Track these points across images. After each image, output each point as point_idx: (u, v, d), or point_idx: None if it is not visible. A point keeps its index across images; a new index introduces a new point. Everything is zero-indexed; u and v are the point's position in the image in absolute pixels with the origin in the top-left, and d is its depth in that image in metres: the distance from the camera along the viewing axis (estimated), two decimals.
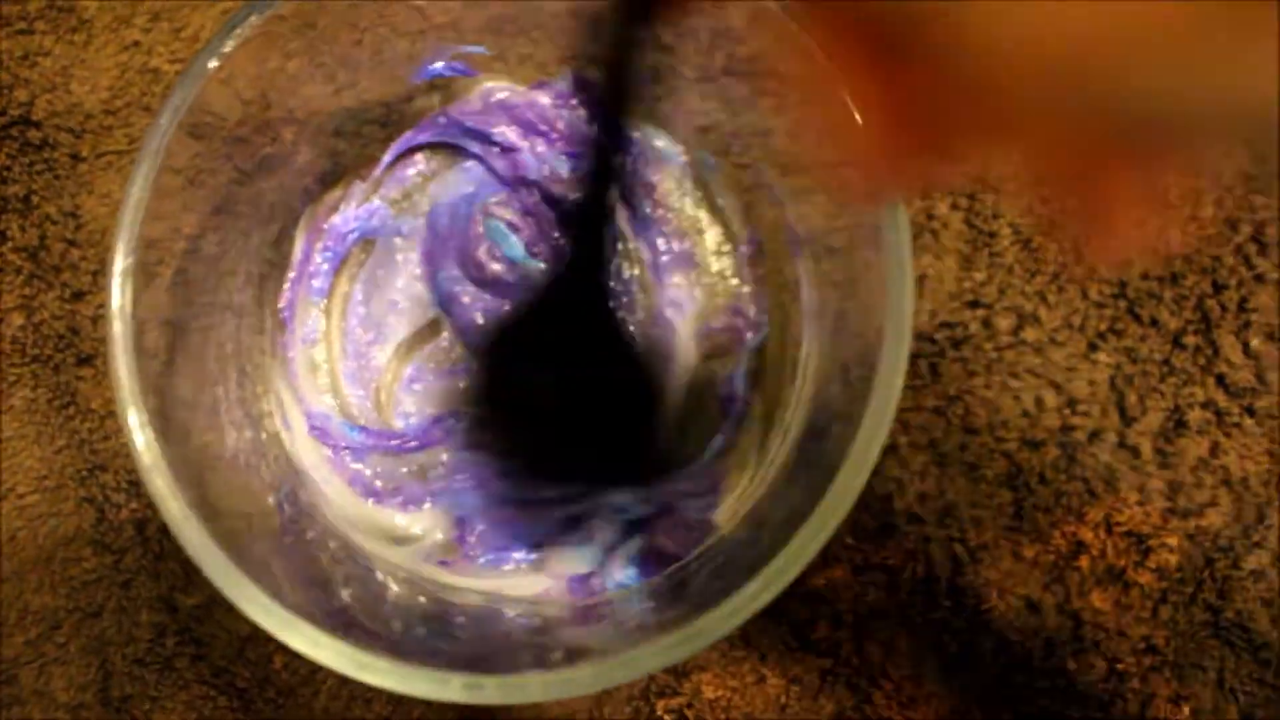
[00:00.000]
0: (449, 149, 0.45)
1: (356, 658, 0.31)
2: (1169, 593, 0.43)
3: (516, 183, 0.44)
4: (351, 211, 0.44)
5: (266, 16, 0.35)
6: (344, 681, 0.44)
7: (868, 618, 0.43)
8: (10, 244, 0.46)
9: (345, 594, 0.38)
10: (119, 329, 0.33)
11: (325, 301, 0.44)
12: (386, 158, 0.44)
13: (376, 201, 0.44)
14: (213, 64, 0.35)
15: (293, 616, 0.31)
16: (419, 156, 0.45)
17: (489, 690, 0.30)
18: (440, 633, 0.37)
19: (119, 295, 0.34)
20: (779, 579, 0.31)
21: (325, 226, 0.43)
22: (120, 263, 0.34)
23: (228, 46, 0.35)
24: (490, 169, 0.45)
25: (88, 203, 0.46)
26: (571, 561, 0.41)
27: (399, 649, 0.32)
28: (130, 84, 0.47)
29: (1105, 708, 0.43)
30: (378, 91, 0.42)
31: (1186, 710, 0.42)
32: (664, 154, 0.44)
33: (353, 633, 0.32)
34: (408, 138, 0.44)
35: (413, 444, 0.43)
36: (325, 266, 0.44)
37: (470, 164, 0.45)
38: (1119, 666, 0.43)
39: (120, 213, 0.34)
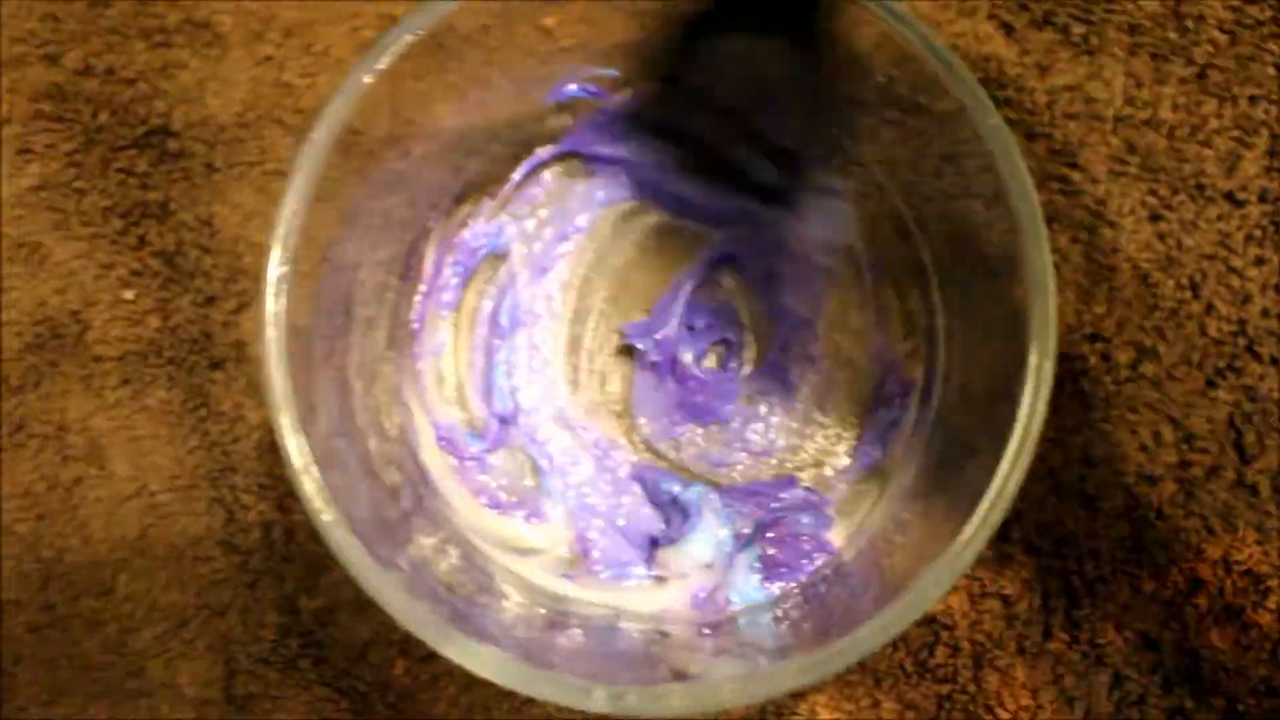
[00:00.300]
0: (577, 163, 0.46)
1: (497, 661, 0.32)
2: None
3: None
4: (480, 228, 0.45)
5: (413, 37, 0.36)
6: (465, 688, 0.44)
7: (985, 646, 0.43)
8: (149, 249, 0.47)
9: (467, 600, 0.38)
10: (273, 334, 0.34)
11: (454, 315, 0.45)
12: (516, 175, 0.44)
13: (504, 218, 0.45)
14: (367, 80, 0.36)
15: (432, 616, 0.32)
16: (547, 175, 0.46)
17: (631, 701, 0.31)
18: (560, 643, 0.38)
19: (273, 301, 0.35)
20: (916, 606, 0.31)
21: (455, 241, 0.44)
22: (276, 269, 0.35)
23: (382, 64, 0.36)
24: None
25: (221, 212, 0.47)
26: (687, 559, 0.42)
27: (534, 657, 0.32)
28: (262, 98, 0.48)
29: None
30: (507, 111, 0.43)
31: None
32: None
33: (488, 637, 0.32)
34: (538, 156, 0.44)
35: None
36: (454, 280, 0.44)
37: (597, 180, 0.46)
38: (1239, 707, 0.42)
39: (276, 220, 0.35)
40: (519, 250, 0.45)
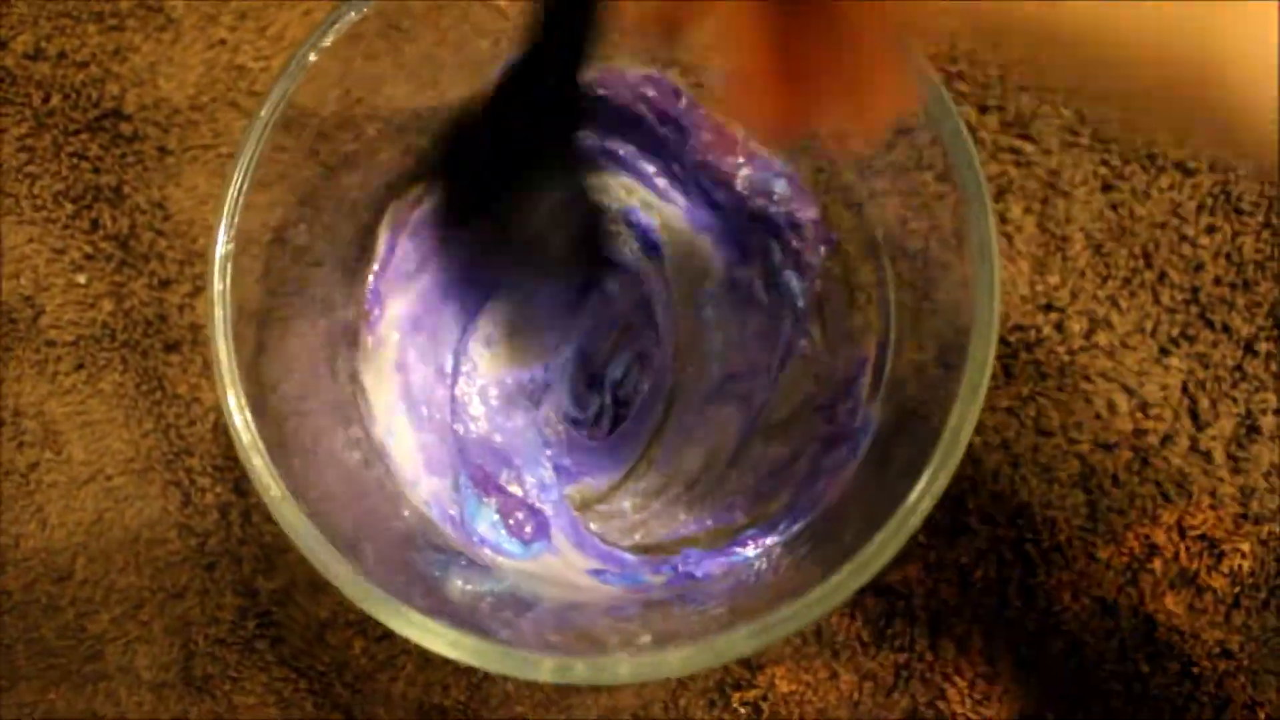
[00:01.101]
0: None
1: (447, 635, 0.32)
2: (1241, 597, 0.43)
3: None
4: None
5: (362, 15, 0.36)
6: (422, 667, 0.44)
7: (941, 615, 0.43)
8: (101, 232, 0.47)
9: (430, 575, 0.38)
10: (219, 313, 0.34)
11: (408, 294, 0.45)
12: None
13: None
14: (312, 57, 0.36)
15: (382, 594, 0.32)
16: None
17: (578, 671, 0.31)
18: (524, 616, 0.38)
19: (219, 280, 0.35)
20: (861, 573, 0.32)
21: (409, 219, 0.44)
22: (221, 249, 0.35)
23: (327, 41, 0.36)
24: None
25: (175, 194, 0.47)
26: None
27: (486, 630, 0.32)
28: (216, 80, 0.48)
29: (1179, 712, 0.43)
30: (459, 90, 0.43)
31: (1262, 716, 0.42)
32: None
33: (439, 612, 0.33)
34: None
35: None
36: (415, 255, 0.44)
37: None
38: (1194, 670, 0.43)
39: (221, 200, 0.35)
40: None
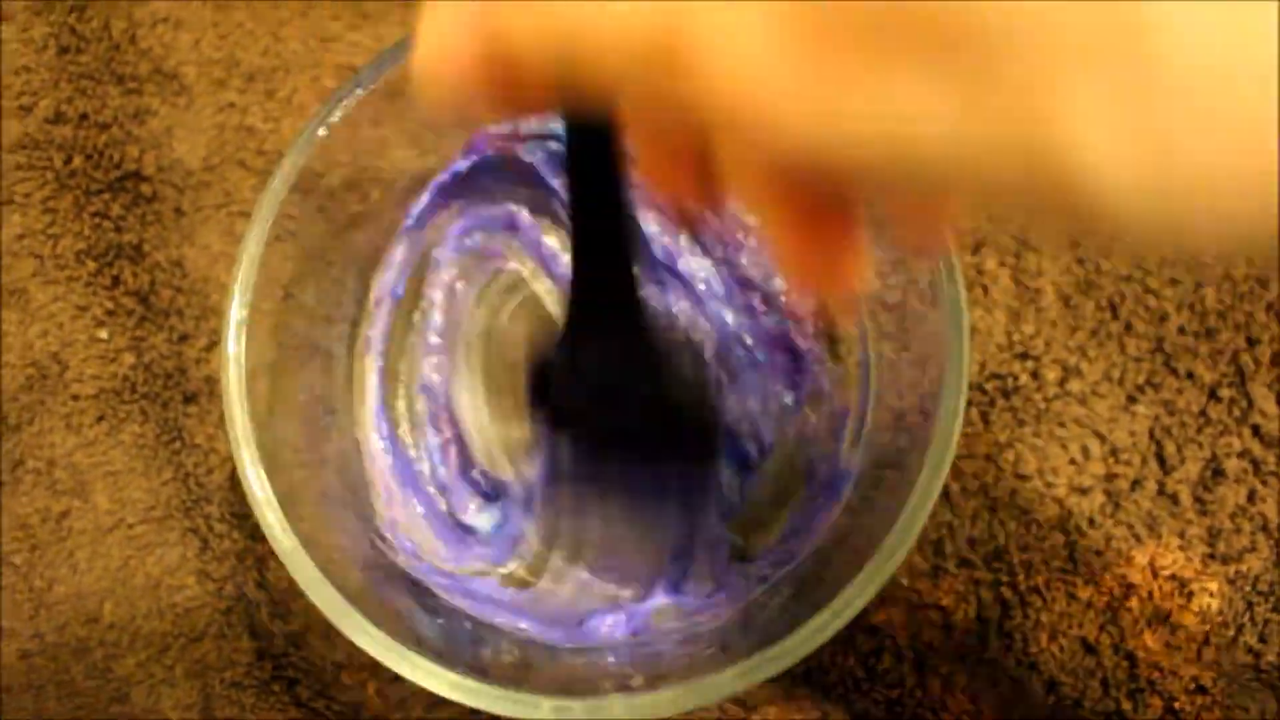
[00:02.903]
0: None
1: (448, 678, 0.34)
2: (1211, 635, 0.45)
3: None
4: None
5: (367, 89, 0.39)
6: (430, 708, 0.46)
7: (925, 655, 0.45)
8: (122, 288, 0.50)
9: (430, 623, 0.40)
10: (234, 373, 0.37)
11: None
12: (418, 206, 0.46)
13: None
14: (322, 132, 0.38)
15: (391, 640, 0.34)
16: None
17: (576, 712, 0.33)
18: (523, 661, 0.40)
19: (234, 343, 0.37)
20: (842, 613, 0.34)
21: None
22: (236, 313, 0.37)
23: (335, 116, 0.38)
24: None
25: (190, 253, 0.50)
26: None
27: (487, 673, 0.35)
28: (226, 142, 0.51)
29: None
30: (458, 153, 0.45)
31: None
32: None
33: (442, 657, 0.35)
34: (438, 182, 0.46)
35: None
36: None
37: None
38: (1175, 705, 0.44)
39: (236, 266, 0.37)
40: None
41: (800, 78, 0.18)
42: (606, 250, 0.34)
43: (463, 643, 0.39)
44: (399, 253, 0.45)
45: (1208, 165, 0.16)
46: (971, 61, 0.17)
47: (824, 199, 0.24)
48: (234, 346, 0.37)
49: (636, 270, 0.36)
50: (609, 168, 0.30)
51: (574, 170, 0.31)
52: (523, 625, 0.41)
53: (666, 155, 0.26)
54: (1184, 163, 0.16)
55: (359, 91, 0.39)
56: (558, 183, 0.45)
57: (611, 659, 0.39)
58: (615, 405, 0.41)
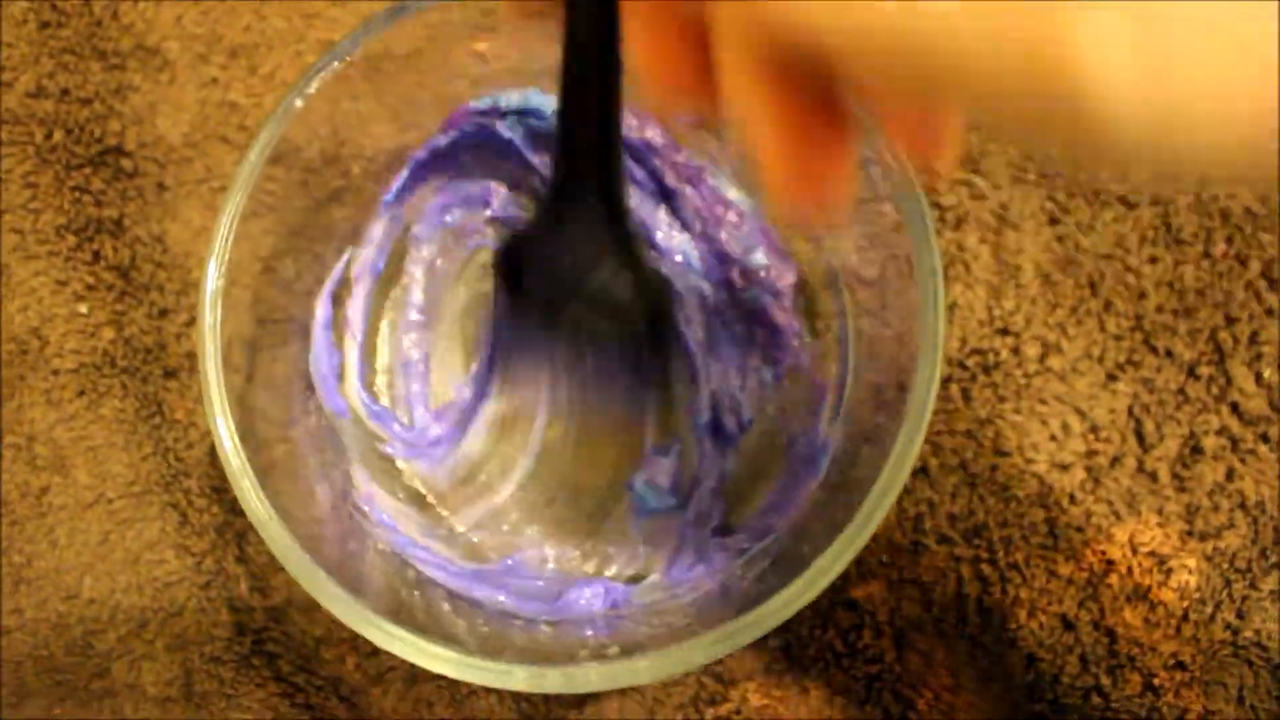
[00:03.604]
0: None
1: (426, 648, 0.34)
2: (1190, 611, 0.45)
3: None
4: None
5: (345, 61, 0.39)
6: (410, 683, 0.46)
7: (905, 631, 0.45)
8: (103, 263, 0.50)
9: (407, 595, 0.40)
10: (210, 345, 0.37)
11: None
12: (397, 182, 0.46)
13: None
14: (299, 103, 0.38)
15: (366, 611, 0.34)
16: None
17: (551, 680, 0.33)
18: (499, 632, 0.40)
19: (210, 313, 0.37)
20: (816, 583, 0.34)
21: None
22: (212, 284, 0.37)
23: (312, 88, 0.38)
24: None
25: (172, 228, 0.50)
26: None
27: (463, 645, 0.35)
28: (209, 117, 0.51)
29: None
30: (438, 128, 0.45)
31: None
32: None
33: (418, 627, 0.35)
34: (416, 157, 0.46)
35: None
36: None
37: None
38: (1154, 681, 0.45)
39: (213, 237, 0.37)
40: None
41: None
42: (592, 122, 0.34)
43: (439, 614, 0.39)
44: (378, 229, 0.45)
45: (1209, 81, 0.16)
46: None
47: (818, 96, 0.23)
48: (210, 317, 0.37)
49: (619, 166, 0.36)
50: (606, 45, 0.30)
51: (571, 42, 0.31)
52: (501, 598, 0.41)
53: (667, 32, 0.25)
54: (1185, 77, 0.16)
55: (336, 64, 0.38)
56: (538, 159, 0.45)
57: (589, 630, 0.39)
58: (580, 283, 0.41)
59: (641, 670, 0.33)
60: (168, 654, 0.47)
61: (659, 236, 0.46)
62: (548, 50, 0.43)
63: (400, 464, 0.46)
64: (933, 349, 0.35)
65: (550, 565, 0.44)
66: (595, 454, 0.46)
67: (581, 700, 0.46)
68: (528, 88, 0.44)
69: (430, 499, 0.46)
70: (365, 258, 0.45)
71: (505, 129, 0.45)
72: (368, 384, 0.46)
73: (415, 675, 0.46)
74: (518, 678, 0.33)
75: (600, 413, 0.46)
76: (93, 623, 0.47)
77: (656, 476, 0.44)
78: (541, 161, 0.45)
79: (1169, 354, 0.46)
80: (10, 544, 0.48)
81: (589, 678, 0.33)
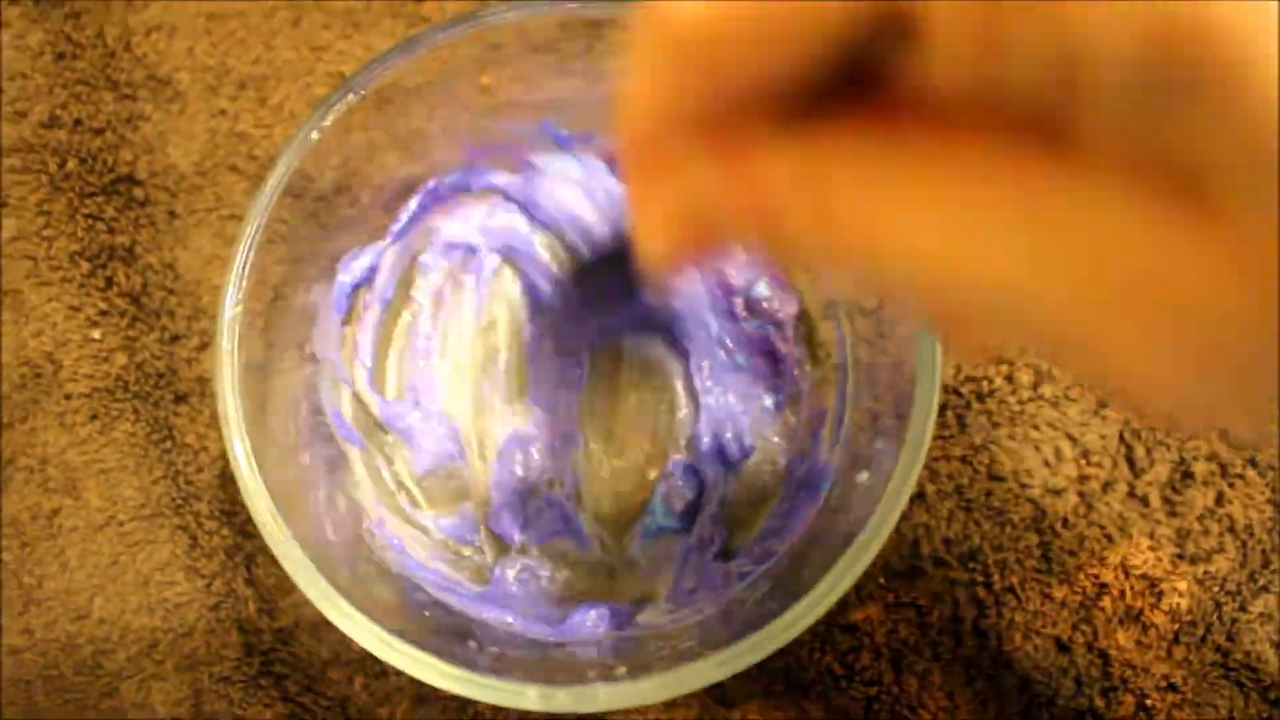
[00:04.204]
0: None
1: (438, 666, 0.35)
2: (1181, 634, 0.46)
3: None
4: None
5: (359, 94, 0.40)
6: (417, 704, 0.47)
7: (902, 652, 0.46)
8: (116, 289, 0.50)
9: (416, 615, 0.41)
10: (227, 371, 0.38)
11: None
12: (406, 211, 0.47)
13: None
14: (314, 136, 0.39)
15: (378, 628, 0.35)
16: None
17: (560, 699, 0.34)
18: (509, 653, 0.41)
19: (227, 340, 0.38)
20: (816, 607, 0.35)
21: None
22: (229, 311, 0.38)
23: (328, 120, 0.39)
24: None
25: (183, 256, 0.50)
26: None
27: (472, 665, 0.35)
28: (219, 147, 0.52)
29: None
30: (449, 161, 0.46)
31: None
32: None
33: (429, 647, 0.36)
34: (427, 188, 0.47)
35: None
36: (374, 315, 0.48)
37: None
38: (1147, 702, 0.45)
39: (229, 265, 0.38)
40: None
41: None
42: None
43: (449, 634, 0.40)
44: (388, 257, 0.46)
45: None
46: None
47: None
48: (227, 343, 0.38)
49: None
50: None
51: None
52: (509, 619, 0.42)
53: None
54: None
55: (350, 97, 0.40)
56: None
57: (595, 652, 0.40)
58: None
59: (649, 691, 0.34)
60: (177, 674, 0.48)
61: None
62: (550, 83, 0.44)
63: (409, 485, 0.47)
64: (930, 377, 0.36)
65: (557, 587, 0.45)
66: (616, 481, 0.47)
67: None
68: (529, 118, 0.45)
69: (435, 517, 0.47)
70: (374, 286, 0.46)
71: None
72: (376, 410, 0.47)
73: (422, 696, 0.47)
74: (529, 697, 0.34)
75: (622, 439, 0.47)
76: (103, 643, 0.48)
77: (673, 497, 0.45)
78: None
79: None
80: (21, 565, 0.49)
81: (597, 697, 0.34)
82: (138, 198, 0.51)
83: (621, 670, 0.36)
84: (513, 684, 0.34)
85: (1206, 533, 0.46)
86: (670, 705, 0.46)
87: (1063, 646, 0.46)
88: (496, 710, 0.46)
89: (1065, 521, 0.47)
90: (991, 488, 0.47)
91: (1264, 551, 0.46)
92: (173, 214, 0.51)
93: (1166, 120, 0.16)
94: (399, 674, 0.35)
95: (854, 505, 0.38)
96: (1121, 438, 0.47)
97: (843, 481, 0.41)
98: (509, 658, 0.39)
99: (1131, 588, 0.46)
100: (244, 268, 0.39)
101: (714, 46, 0.19)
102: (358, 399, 0.46)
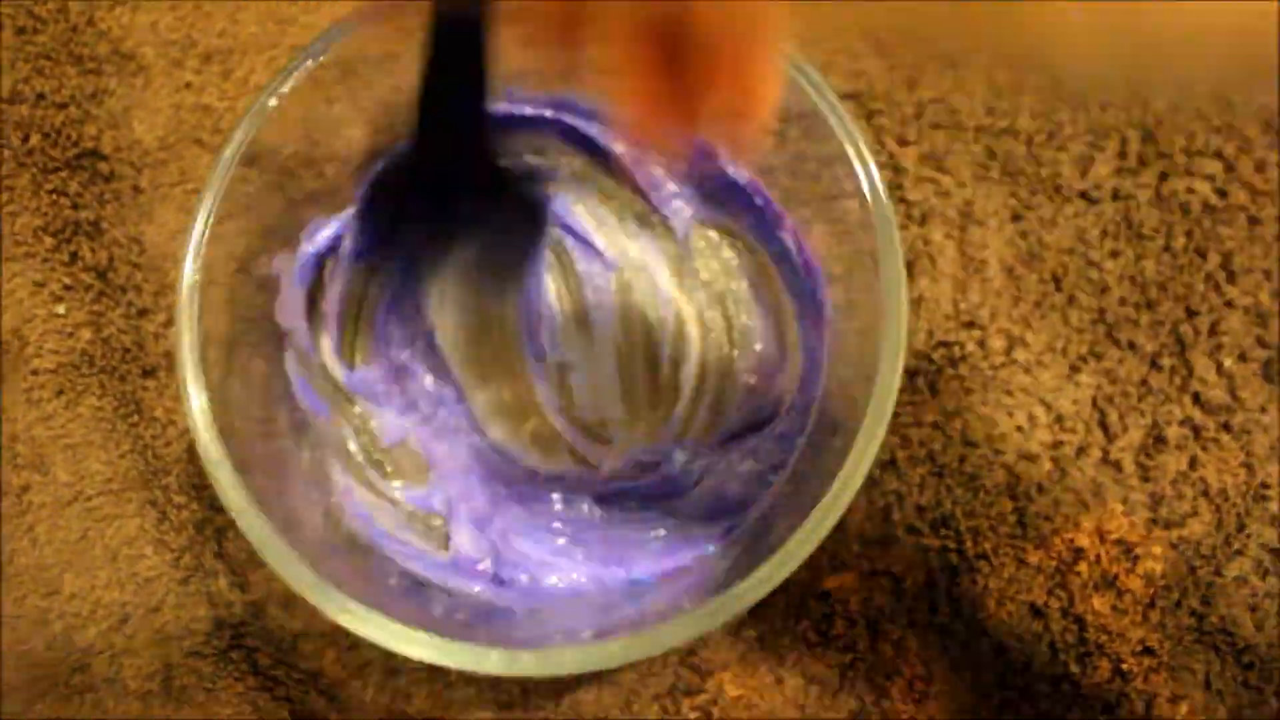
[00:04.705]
0: None
1: (400, 632, 0.34)
2: (1157, 598, 0.45)
3: None
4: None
5: (319, 62, 0.39)
6: (389, 676, 0.47)
7: (878, 620, 0.46)
8: (81, 264, 0.50)
9: (382, 583, 0.41)
10: (187, 337, 0.37)
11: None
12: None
13: None
14: (273, 102, 0.39)
15: (343, 598, 0.35)
16: None
17: (524, 662, 0.34)
18: (476, 621, 0.40)
19: (187, 306, 0.37)
20: (781, 568, 0.34)
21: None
22: (189, 277, 0.38)
23: (286, 87, 0.39)
24: None
25: (149, 230, 0.50)
26: None
27: (438, 629, 0.35)
28: (183, 121, 0.51)
29: (1112, 708, 0.45)
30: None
31: (1184, 709, 0.45)
32: None
33: (395, 614, 0.35)
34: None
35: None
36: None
37: None
38: (1123, 667, 0.45)
39: (189, 232, 0.38)
40: None
41: None
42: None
43: (415, 600, 0.40)
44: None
45: None
46: None
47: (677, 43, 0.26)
48: (187, 309, 0.37)
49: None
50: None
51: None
52: (476, 588, 0.42)
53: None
54: None
55: (310, 63, 0.39)
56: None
57: (564, 617, 0.40)
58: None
59: (615, 652, 0.34)
60: (148, 649, 0.47)
61: None
62: (518, 53, 0.43)
63: (377, 456, 0.46)
64: (896, 343, 0.36)
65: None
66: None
67: (559, 691, 0.46)
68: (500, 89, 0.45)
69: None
70: (339, 255, 0.46)
71: None
72: (343, 380, 0.46)
73: (394, 668, 0.47)
74: (491, 660, 0.34)
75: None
76: (73, 618, 0.48)
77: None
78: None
79: (1131, 346, 0.47)
80: None
81: (563, 659, 0.34)
82: (102, 172, 0.51)
83: (587, 633, 0.36)
84: (477, 646, 0.34)
85: (1180, 497, 0.46)
86: (644, 674, 0.46)
87: (1038, 612, 0.46)
88: (470, 680, 0.46)
89: (1040, 487, 0.46)
90: (965, 453, 0.47)
91: (1238, 515, 0.46)
92: (137, 188, 0.51)
93: None
94: (371, 647, 0.35)
95: (822, 470, 0.38)
96: (1094, 403, 0.47)
97: (812, 446, 0.41)
98: (475, 626, 0.39)
99: (1106, 553, 0.46)
100: (204, 236, 0.38)
101: None
102: (324, 369, 0.45)
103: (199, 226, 0.38)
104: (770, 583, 0.34)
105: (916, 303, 0.48)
